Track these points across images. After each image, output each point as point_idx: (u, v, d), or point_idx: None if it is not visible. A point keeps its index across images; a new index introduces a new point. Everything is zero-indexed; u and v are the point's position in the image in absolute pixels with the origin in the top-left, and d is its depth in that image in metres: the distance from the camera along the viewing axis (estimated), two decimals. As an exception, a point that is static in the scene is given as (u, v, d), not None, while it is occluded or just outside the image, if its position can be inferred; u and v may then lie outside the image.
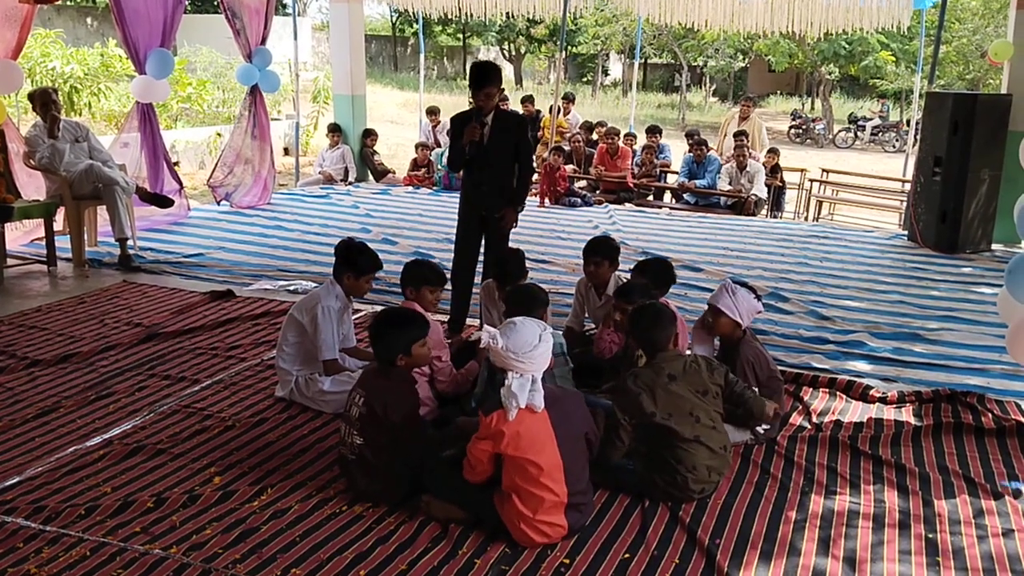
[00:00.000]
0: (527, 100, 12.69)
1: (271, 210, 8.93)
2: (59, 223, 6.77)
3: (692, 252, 7.57)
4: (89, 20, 22.43)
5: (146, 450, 3.61)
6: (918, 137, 8.59)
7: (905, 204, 9.22)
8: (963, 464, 3.69)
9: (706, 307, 3.91)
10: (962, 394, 4.37)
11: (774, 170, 10.33)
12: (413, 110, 16.36)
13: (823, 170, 11.85)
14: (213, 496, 3.24)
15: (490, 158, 5.00)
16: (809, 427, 4.02)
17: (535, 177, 9.56)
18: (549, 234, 8.23)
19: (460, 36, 37.24)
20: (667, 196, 10.75)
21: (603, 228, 8.36)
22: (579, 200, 9.92)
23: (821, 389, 4.50)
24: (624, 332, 4.04)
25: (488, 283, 4.82)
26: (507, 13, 12.14)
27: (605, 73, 38.14)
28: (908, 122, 15.79)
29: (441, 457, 3.31)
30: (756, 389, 3.66)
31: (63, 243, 6.67)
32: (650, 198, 10.65)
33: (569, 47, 31.86)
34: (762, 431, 3.73)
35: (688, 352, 3.74)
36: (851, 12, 10.32)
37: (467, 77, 6.05)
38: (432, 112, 12.06)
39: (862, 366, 4.90)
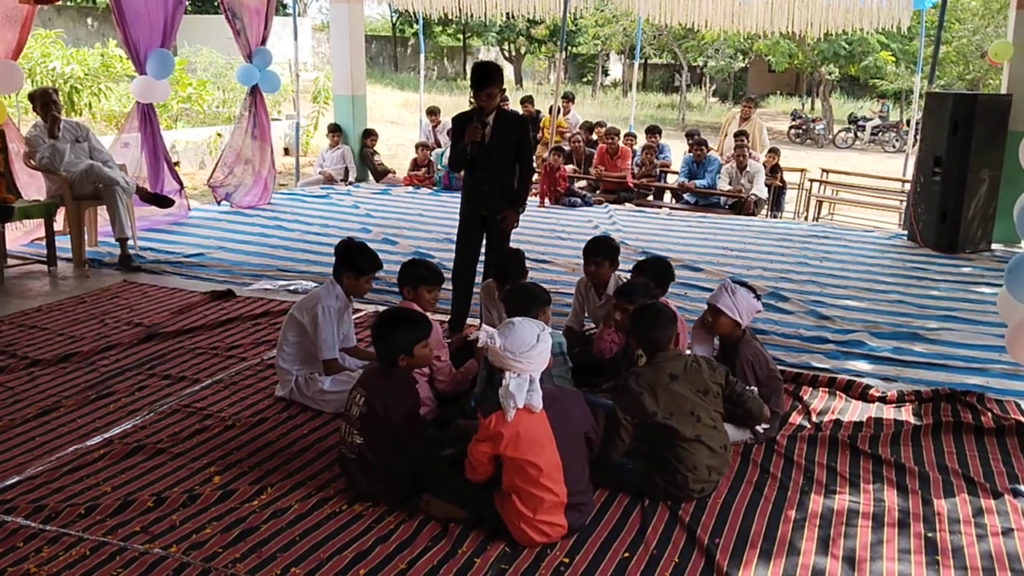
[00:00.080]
0: (527, 100, 12.69)
1: (271, 210, 8.93)
2: (59, 223, 6.78)
3: (692, 252, 7.57)
4: (89, 20, 22.44)
5: (146, 449, 3.62)
6: (918, 137, 8.59)
7: (905, 204, 9.22)
8: (962, 463, 3.69)
9: (706, 307, 3.91)
10: (962, 393, 4.37)
11: (774, 170, 10.33)
12: (413, 110, 16.37)
13: (823, 170, 11.85)
14: (213, 495, 3.24)
15: (491, 158, 5.00)
16: (809, 426, 4.02)
17: (535, 177, 9.56)
18: (549, 234, 8.24)
19: (460, 36, 37.25)
20: (667, 196, 10.75)
21: (603, 228, 8.36)
22: (579, 200, 9.93)
23: (821, 388, 4.50)
24: (624, 332, 4.04)
25: (488, 283, 4.82)
26: (507, 13, 12.13)
27: (605, 73, 38.16)
28: (908, 122, 15.80)
29: (441, 457, 3.31)
30: (756, 389, 3.66)
31: (63, 243, 6.68)
32: (650, 198, 10.65)
33: (569, 47, 31.86)
34: (761, 430, 3.74)
35: (688, 352, 3.74)
36: (851, 12, 10.32)
37: (468, 77, 6.06)
38: (432, 112, 12.06)
39: (862, 366, 4.91)
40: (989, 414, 4.16)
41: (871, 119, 24.21)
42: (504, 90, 5.11)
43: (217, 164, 9.20)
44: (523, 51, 37.90)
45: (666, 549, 2.99)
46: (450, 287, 5.16)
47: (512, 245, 5.12)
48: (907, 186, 9.46)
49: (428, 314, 3.83)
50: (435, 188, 10.78)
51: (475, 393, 3.91)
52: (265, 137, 9.15)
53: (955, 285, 6.74)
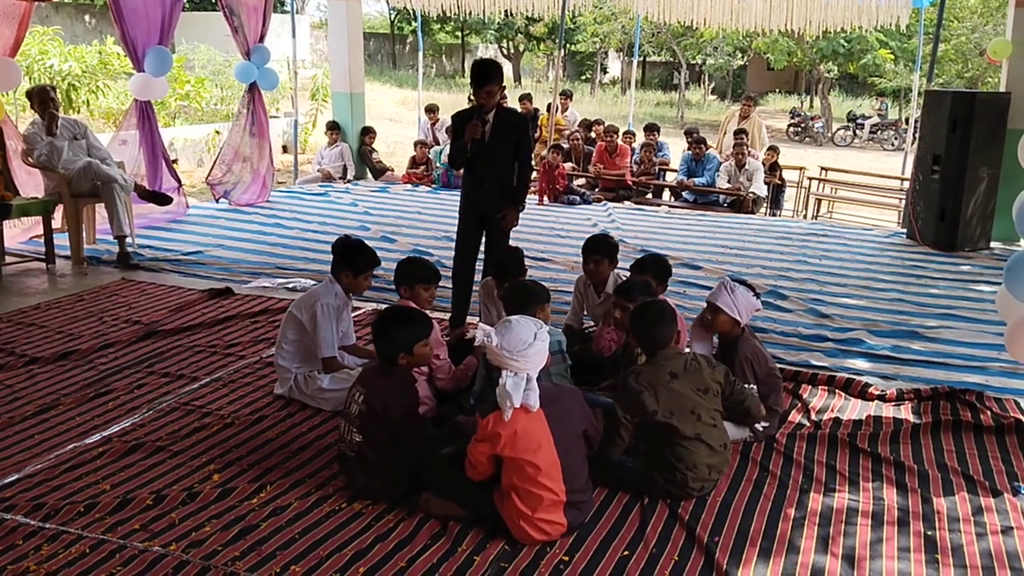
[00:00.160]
0: (525, 98, 12.69)
1: (270, 208, 8.93)
2: (57, 221, 6.77)
3: (691, 250, 7.57)
4: (87, 18, 22.41)
5: (145, 447, 3.61)
6: (917, 135, 8.59)
7: (904, 202, 9.22)
8: (962, 462, 3.69)
9: (705, 305, 3.91)
10: (961, 392, 4.37)
11: (773, 168, 10.33)
12: (412, 108, 16.36)
13: (822, 168, 11.85)
14: (212, 493, 3.24)
15: (492, 156, 4.99)
16: (808, 425, 4.02)
17: (533, 175, 9.56)
18: (548, 232, 8.23)
19: (459, 34, 37.23)
20: (666, 194, 10.75)
21: (602, 226, 8.36)
22: (578, 198, 9.93)
23: (820, 387, 4.50)
24: (624, 330, 4.03)
25: (487, 281, 4.82)
26: (505, 11, 12.11)
27: (604, 71, 38.16)
28: (907, 120, 15.81)
29: (440, 455, 3.30)
30: (755, 387, 3.66)
31: (62, 240, 6.67)
32: (649, 196, 10.65)
33: (568, 45, 31.85)
34: (761, 428, 3.74)
35: (687, 350, 3.74)
36: (850, 10, 10.32)
37: (467, 75, 6.05)
38: (431, 110, 12.05)
39: (861, 364, 4.91)
40: (988, 412, 4.16)
41: (870, 117, 24.23)
42: (504, 87, 5.11)
43: (215, 162, 9.19)
44: (521, 49, 37.89)
45: (666, 547, 2.98)
46: (448, 284, 5.15)
47: (511, 243, 5.12)
48: (906, 184, 9.46)
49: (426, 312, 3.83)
50: (434, 186, 10.77)
51: (474, 391, 3.91)
52: (263, 135, 9.14)
53: (954, 283, 6.74)
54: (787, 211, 10.91)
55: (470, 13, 12.33)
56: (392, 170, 11.37)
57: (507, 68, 35.55)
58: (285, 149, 14.11)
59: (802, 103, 31.60)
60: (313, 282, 5.92)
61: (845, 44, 23.89)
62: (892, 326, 5.57)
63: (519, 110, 11.13)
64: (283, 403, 4.13)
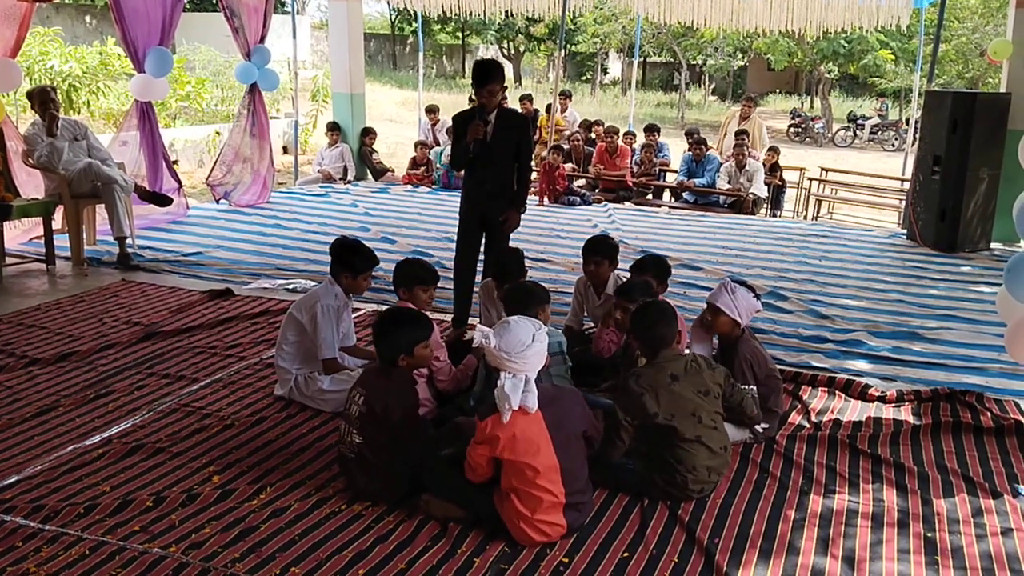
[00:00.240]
0: (525, 99, 12.69)
1: (270, 209, 8.93)
2: (58, 221, 6.77)
3: (691, 251, 7.57)
4: (88, 18, 22.41)
5: (145, 449, 3.61)
6: (917, 136, 8.59)
7: (904, 203, 9.22)
8: (962, 463, 3.69)
9: (705, 306, 3.91)
10: (961, 393, 4.37)
11: (773, 168, 10.33)
12: (412, 108, 16.36)
13: (822, 169, 11.86)
14: (212, 495, 3.24)
15: (493, 156, 4.99)
16: (808, 426, 4.02)
17: (533, 176, 9.56)
18: (548, 233, 8.23)
19: (459, 35, 37.25)
20: (666, 195, 10.75)
21: (602, 227, 8.36)
22: (578, 199, 9.93)
23: (820, 388, 4.50)
24: (624, 331, 4.03)
25: (487, 282, 4.81)
26: (506, 11, 12.11)
27: (604, 72, 38.15)
28: (907, 121, 15.80)
29: (440, 456, 3.30)
30: (755, 388, 3.66)
31: (62, 242, 6.67)
32: (649, 197, 10.65)
33: (568, 45, 31.85)
34: (761, 430, 3.73)
35: (687, 351, 3.74)
36: (850, 10, 10.32)
37: (468, 75, 6.05)
38: (431, 110, 12.05)
39: (861, 365, 4.91)
40: (988, 414, 4.15)
41: (870, 118, 24.22)
42: (505, 88, 5.11)
43: (216, 162, 9.19)
44: (522, 49, 37.91)
45: (665, 549, 2.98)
46: (448, 286, 5.15)
47: (511, 244, 5.11)
48: (906, 185, 9.46)
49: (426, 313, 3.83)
50: (434, 187, 10.77)
51: (474, 392, 3.91)
52: (264, 135, 9.15)
53: (954, 284, 6.74)
54: (787, 212, 10.91)
55: (471, 14, 12.33)
56: (392, 171, 11.38)
57: (508, 69, 35.55)
58: (285, 150, 14.11)
59: (802, 104, 31.61)
60: (313, 283, 5.92)
61: (846, 45, 23.90)
62: (892, 327, 5.57)
63: (520, 111, 11.13)
64: (283, 404, 4.13)
